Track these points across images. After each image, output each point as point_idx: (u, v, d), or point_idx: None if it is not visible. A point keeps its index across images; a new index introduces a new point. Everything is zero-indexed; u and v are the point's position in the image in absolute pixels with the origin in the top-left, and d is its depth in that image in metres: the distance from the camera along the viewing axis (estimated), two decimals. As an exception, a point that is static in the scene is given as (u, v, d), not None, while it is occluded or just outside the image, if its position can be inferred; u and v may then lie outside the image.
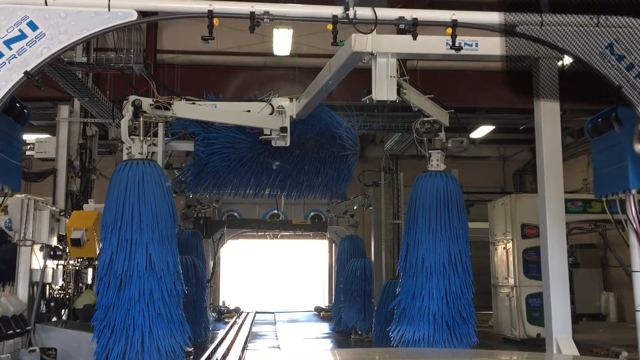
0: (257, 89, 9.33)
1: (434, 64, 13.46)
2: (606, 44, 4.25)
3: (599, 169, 5.73)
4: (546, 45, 4.22)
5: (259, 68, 15.34)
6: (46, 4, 4.59)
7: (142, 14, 4.99)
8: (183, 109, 7.65)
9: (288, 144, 8.31)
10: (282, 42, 13.52)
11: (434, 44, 5.94)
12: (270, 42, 13.90)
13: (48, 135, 11.81)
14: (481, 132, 17.87)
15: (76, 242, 8.72)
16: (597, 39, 4.01)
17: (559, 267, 6.10)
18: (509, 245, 13.19)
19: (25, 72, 4.59)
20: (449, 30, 5.00)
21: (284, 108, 8.23)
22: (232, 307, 21.77)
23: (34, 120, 15.75)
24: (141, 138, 7.04)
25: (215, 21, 4.73)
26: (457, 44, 5.74)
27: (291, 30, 13.26)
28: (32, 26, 4.58)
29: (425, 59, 6.66)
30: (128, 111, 7.10)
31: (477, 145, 19.80)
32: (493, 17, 3.93)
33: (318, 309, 22.05)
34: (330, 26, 4.90)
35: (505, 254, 13.42)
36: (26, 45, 4.57)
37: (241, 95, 9.91)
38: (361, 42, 5.76)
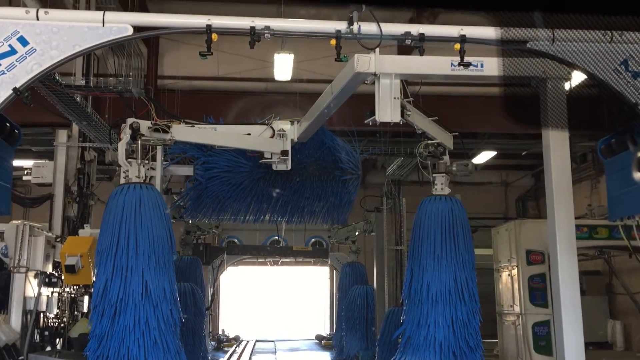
0: (258, 115, 9.22)
1: (434, 89, 13.39)
2: (620, 61, 4.10)
3: (613, 191, 5.53)
4: (558, 61, 4.07)
5: (260, 93, 15.30)
6: (38, 19, 4.45)
7: (139, 30, 4.85)
8: (182, 131, 7.50)
9: (289, 167, 8.14)
10: (283, 67, 13.49)
11: (438, 65, 5.79)
12: (271, 67, 13.88)
13: (45, 160, 11.67)
14: (483, 157, 17.75)
15: (70, 269, 8.48)
16: (611, 56, 3.87)
17: (570, 295, 5.87)
18: (514, 272, 12.94)
19: (14, 89, 4.43)
20: (457, 45, 4.86)
21: (285, 131, 8.09)
22: (231, 335, 21.39)
23: (33, 146, 15.67)
24: (139, 161, 6.87)
25: (214, 36, 4.58)
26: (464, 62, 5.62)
27: (292, 55, 13.23)
28: (23, 41, 4.43)
29: (428, 80, 6.53)
30: (126, 134, 6.95)
31: (479, 171, 19.67)
32: (502, 33, 3.80)
33: (319, 337, 21.66)
34: (333, 41, 4.75)
35: (510, 281, 13.16)
36: (16, 61, 4.41)
37: (242, 120, 9.80)
38: (364, 62, 5.62)
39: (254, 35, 4.60)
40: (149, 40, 14.75)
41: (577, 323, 5.83)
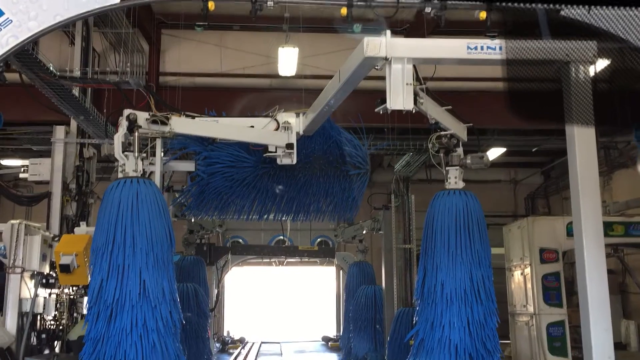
0: (262, 111, 8.87)
1: (441, 84, 13.01)
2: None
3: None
4: (593, 31, 3.67)
5: (264, 90, 14.99)
6: (14, -14, 4.09)
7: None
8: (182, 123, 7.13)
9: (294, 161, 7.75)
10: (287, 62, 13.17)
11: (454, 48, 5.41)
12: (275, 63, 13.60)
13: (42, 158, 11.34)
14: (492, 154, 17.34)
15: (65, 268, 8.11)
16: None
17: (598, 293, 5.48)
18: (527, 270, 12.55)
19: (-13, 64, 4.09)
20: (483, 14, 4.47)
21: (290, 124, 7.72)
22: (236, 337, 21.06)
23: (33, 145, 15.36)
24: (136, 154, 6.51)
25: (211, 5, 4.22)
26: (479, 47, 5.27)
27: (297, 49, 12.92)
28: (-3, 12, 4.07)
29: (442, 64, 6.09)
30: (122, 126, 6.59)
31: (488, 168, 19.28)
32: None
33: (326, 339, 21.31)
34: (344, 10, 4.36)
35: (522, 280, 12.78)
36: (-11, 34, 4.05)
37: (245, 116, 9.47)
38: (374, 45, 5.24)
39: (255, 4, 4.21)
40: (150, 36, 14.46)
41: (606, 324, 5.44)
